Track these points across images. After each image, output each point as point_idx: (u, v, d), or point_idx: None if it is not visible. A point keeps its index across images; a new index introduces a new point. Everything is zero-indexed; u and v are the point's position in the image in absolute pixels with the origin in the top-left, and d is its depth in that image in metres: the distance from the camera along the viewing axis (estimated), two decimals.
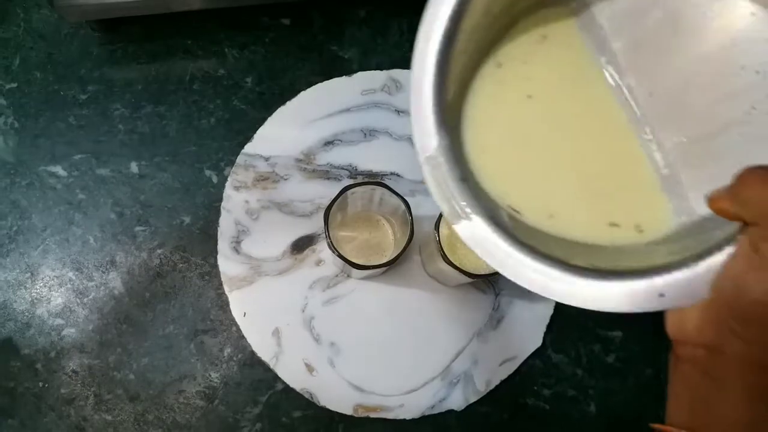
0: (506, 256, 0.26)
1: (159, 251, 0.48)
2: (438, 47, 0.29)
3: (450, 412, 0.46)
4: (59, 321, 0.47)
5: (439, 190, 0.28)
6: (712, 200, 0.23)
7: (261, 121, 0.49)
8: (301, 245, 0.48)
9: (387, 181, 0.48)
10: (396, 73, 0.51)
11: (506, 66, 0.31)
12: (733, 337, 0.22)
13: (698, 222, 0.28)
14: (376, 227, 0.47)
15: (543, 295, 0.26)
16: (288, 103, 0.50)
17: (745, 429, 0.23)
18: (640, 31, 0.31)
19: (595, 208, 0.30)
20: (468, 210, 0.27)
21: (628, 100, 0.31)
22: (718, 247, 0.23)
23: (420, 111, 0.28)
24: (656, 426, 0.25)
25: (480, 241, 0.27)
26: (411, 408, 0.46)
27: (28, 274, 0.47)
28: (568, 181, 0.31)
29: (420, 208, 0.42)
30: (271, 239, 0.48)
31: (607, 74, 0.31)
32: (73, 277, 0.47)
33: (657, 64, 0.30)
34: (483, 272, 0.40)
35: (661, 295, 0.24)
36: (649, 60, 0.30)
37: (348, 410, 0.46)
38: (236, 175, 0.48)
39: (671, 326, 0.25)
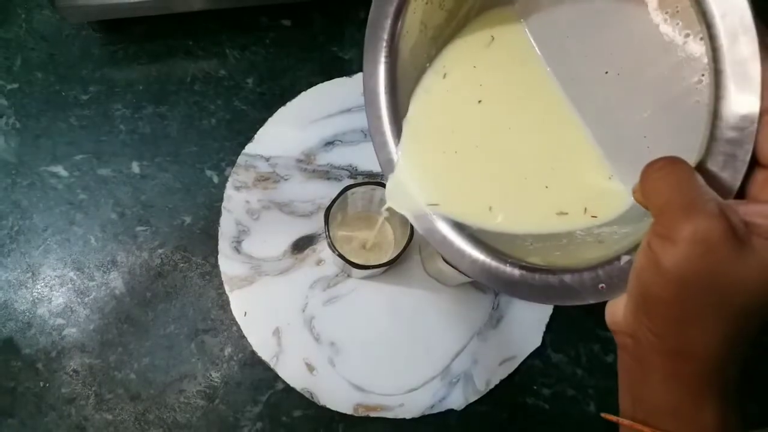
0: (469, 256, 0.30)
1: (160, 251, 0.48)
2: (384, 78, 0.31)
3: (450, 411, 0.46)
4: (60, 321, 0.47)
5: (405, 201, 0.31)
6: (633, 191, 0.24)
7: (262, 122, 0.50)
8: (302, 245, 0.48)
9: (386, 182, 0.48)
10: None
11: (452, 73, 0.34)
12: (644, 328, 0.23)
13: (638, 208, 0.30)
14: (376, 227, 0.47)
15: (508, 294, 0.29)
16: (288, 103, 0.50)
17: (671, 415, 0.24)
18: (568, 31, 0.33)
19: (545, 201, 0.32)
20: (432, 215, 0.30)
21: (572, 94, 0.33)
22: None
23: (379, 134, 0.31)
24: (606, 416, 0.27)
25: (443, 242, 0.30)
26: (411, 407, 0.46)
27: (29, 274, 0.47)
28: (514, 178, 0.33)
29: None
30: (272, 239, 0.48)
31: (549, 70, 0.34)
32: (74, 277, 0.47)
33: (587, 56, 0.32)
34: None
35: (602, 287, 0.26)
36: (581, 54, 0.32)
37: (348, 410, 0.46)
38: (237, 176, 0.49)
39: (607, 316, 0.26)
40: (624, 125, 0.31)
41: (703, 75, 0.26)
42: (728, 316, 0.22)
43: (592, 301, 0.27)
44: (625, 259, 0.26)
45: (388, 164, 0.31)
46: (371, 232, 0.46)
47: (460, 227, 0.30)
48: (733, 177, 0.23)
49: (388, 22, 0.31)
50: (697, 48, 0.26)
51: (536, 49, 0.34)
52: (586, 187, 0.32)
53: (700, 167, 0.24)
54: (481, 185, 0.33)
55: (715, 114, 0.23)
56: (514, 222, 0.32)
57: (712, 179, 0.23)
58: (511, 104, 0.34)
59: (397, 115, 0.31)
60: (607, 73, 0.31)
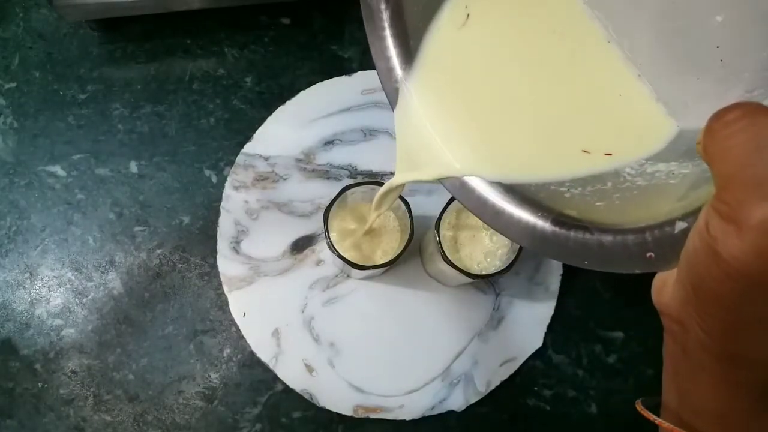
0: (492, 205, 0.25)
1: (158, 251, 0.48)
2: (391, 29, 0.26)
3: (450, 412, 0.46)
4: (58, 321, 0.46)
5: (415, 137, 0.26)
6: (697, 142, 0.19)
7: (261, 121, 0.49)
8: (301, 245, 0.48)
9: (387, 181, 0.48)
10: None
11: (473, 6, 0.28)
12: (694, 322, 0.19)
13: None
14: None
15: (530, 247, 0.24)
16: (288, 102, 0.50)
17: (718, 421, 0.20)
18: None
19: (581, 138, 0.27)
20: (449, 154, 0.25)
21: (599, 21, 0.27)
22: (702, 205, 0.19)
23: (383, 63, 0.26)
24: (643, 411, 0.23)
25: (462, 188, 0.25)
26: (411, 409, 0.46)
27: (27, 275, 0.47)
28: (546, 118, 0.27)
29: (420, 208, 0.42)
30: (271, 239, 0.48)
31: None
32: (72, 278, 0.47)
33: None
34: (483, 272, 0.40)
35: (650, 255, 0.21)
36: None
37: (348, 411, 0.45)
38: (236, 175, 0.48)
39: (654, 291, 0.21)
40: (688, 31, 0.25)
41: None
42: None
43: (638, 271, 0.22)
44: (680, 226, 0.20)
45: (394, 94, 0.26)
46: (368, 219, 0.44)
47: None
48: None
49: None
50: None
51: None
52: (623, 114, 0.27)
53: None
54: (511, 134, 0.27)
55: None
56: (549, 169, 0.26)
57: None
58: (539, 38, 0.28)
59: (405, 35, 0.26)
60: None
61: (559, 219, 0.24)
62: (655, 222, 0.21)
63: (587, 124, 0.27)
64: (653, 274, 0.22)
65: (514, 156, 0.27)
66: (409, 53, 0.26)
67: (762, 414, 0.19)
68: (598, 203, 0.24)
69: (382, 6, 0.26)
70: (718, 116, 0.17)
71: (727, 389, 0.20)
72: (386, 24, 0.26)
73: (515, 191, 0.25)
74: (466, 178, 0.25)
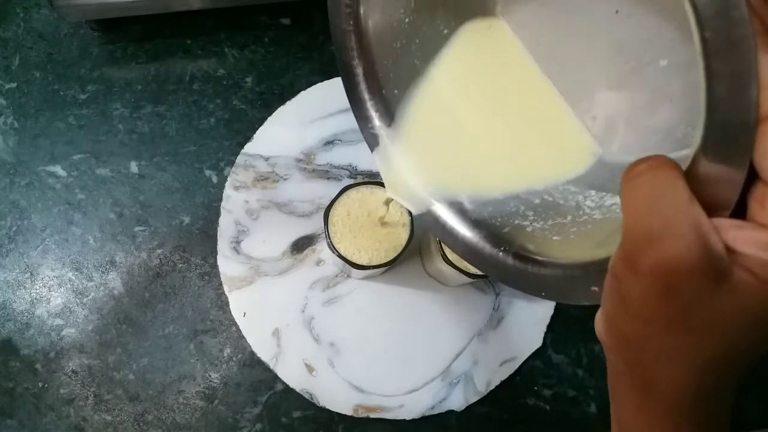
0: (462, 239, 0.28)
1: (159, 251, 0.48)
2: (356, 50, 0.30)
3: (450, 412, 0.46)
4: (59, 321, 0.46)
5: (393, 178, 0.29)
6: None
7: (261, 121, 0.49)
8: (301, 245, 0.48)
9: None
10: None
11: (443, 65, 0.32)
12: (615, 353, 0.21)
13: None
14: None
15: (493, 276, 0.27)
16: (288, 102, 0.50)
17: None
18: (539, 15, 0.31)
19: (528, 160, 0.31)
20: (423, 193, 0.29)
21: (546, 70, 0.31)
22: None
23: (360, 110, 0.30)
24: None
25: (434, 222, 0.28)
26: (411, 408, 0.46)
27: (28, 275, 0.47)
28: (502, 145, 0.31)
29: None
30: (271, 239, 0.48)
31: (526, 52, 0.32)
32: (73, 278, 0.47)
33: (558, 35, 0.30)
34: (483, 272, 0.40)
35: (594, 290, 0.23)
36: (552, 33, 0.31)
37: (348, 410, 0.46)
38: (236, 175, 0.48)
39: (596, 324, 0.23)
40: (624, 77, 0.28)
41: None
42: (702, 360, 0.18)
43: (585, 303, 0.24)
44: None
45: (372, 138, 0.30)
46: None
47: (453, 207, 0.28)
48: (730, 185, 0.18)
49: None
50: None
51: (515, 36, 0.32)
52: (556, 142, 0.31)
53: (696, 164, 0.19)
54: (471, 155, 0.31)
55: (709, 105, 0.18)
56: (503, 182, 0.30)
57: (708, 184, 0.18)
58: (496, 87, 0.32)
59: (379, 87, 0.29)
60: (617, 12, 0.27)
61: (519, 253, 0.26)
62: (598, 259, 0.23)
63: (528, 151, 0.31)
64: None
65: (475, 177, 0.31)
66: (384, 102, 0.30)
67: None
68: (555, 237, 0.27)
69: (355, 62, 0.29)
70: (629, 168, 0.19)
71: (644, 416, 0.20)
72: (360, 79, 0.29)
73: (482, 226, 0.28)
74: (440, 216, 0.28)
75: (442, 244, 0.40)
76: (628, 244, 0.18)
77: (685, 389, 0.19)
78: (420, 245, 0.48)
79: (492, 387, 0.47)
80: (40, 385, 0.45)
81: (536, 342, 0.47)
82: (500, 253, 0.27)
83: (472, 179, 0.30)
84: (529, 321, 0.48)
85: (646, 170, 0.18)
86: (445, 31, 0.31)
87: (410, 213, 0.41)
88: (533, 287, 0.26)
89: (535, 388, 0.47)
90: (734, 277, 0.17)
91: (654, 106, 0.27)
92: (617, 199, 0.26)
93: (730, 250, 0.17)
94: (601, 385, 0.48)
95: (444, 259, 0.40)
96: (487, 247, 0.27)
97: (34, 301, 0.47)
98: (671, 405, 0.19)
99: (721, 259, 0.17)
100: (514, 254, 0.27)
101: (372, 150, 0.30)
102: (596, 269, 0.23)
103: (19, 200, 0.48)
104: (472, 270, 0.40)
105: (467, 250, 0.28)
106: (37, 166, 0.48)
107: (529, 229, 0.28)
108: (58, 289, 0.47)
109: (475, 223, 0.28)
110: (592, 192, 0.28)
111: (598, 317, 0.22)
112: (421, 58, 0.32)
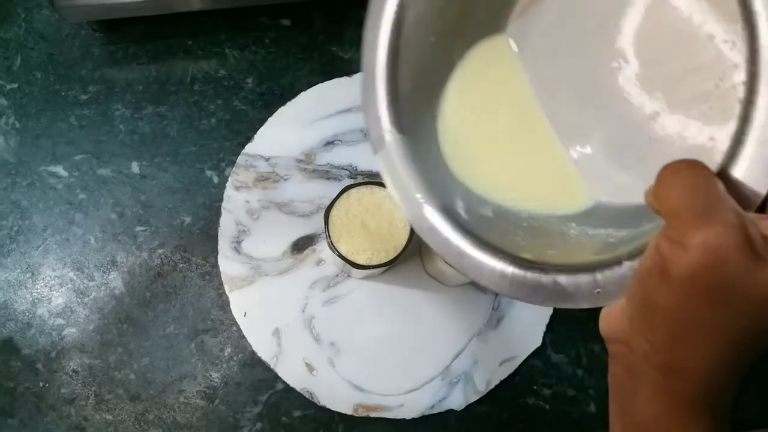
0: (456, 247, 0.28)
1: (160, 251, 0.48)
2: (385, 56, 0.31)
3: (450, 411, 0.46)
4: (60, 321, 0.47)
5: (394, 182, 0.30)
6: (646, 193, 0.23)
7: (261, 122, 0.50)
8: (302, 245, 0.48)
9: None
10: None
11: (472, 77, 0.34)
12: (640, 336, 0.22)
13: (633, 211, 0.28)
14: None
15: (489, 287, 0.28)
16: (288, 103, 0.50)
17: (650, 428, 0.23)
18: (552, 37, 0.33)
19: (526, 182, 0.33)
20: (421, 200, 0.29)
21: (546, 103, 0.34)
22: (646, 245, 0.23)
23: (372, 111, 0.31)
24: None
25: (430, 230, 0.29)
26: (411, 408, 0.46)
27: (29, 274, 0.47)
28: (512, 167, 0.34)
29: None
30: (272, 239, 0.48)
31: (530, 84, 0.34)
32: (74, 277, 0.47)
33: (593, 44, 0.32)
34: None
35: (598, 292, 0.25)
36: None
37: (348, 410, 0.46)
38: (237, 175, 0.49)
39: (601, 323, 0.25)
40: (626, 124, 0.30)
41: (720, 79, 0.25)
42: (731, 335, 0.20)
43: (585, 306, 0.25)
44: (627, 265, 0.24)
45: (379, 141, 0.30)
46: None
47: (450, 217, 0.29)
48: (757, 187, 0.22)
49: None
50: (716, 49, 0.25)
51: (515, 49, 0.35)
52: (556, 180, 0.33)
53: (721, 174, 0.22)
54: (474, 169, 0.33)
55: (745, 119, 0.22)
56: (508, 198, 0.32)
57: (733, 188, 0.22)
58: (499, 113, 0.35)
59: (395, 92, 0.30)
60: (615, 65, 0.30)
61: (517, 261, 0.27)
62: (603, 262, 0.25)
63: (521, 180, 0.33)
64: None
65: (473, 187, 0.33)
66: (396, 109, 0.31)
67: (694, 423, 0.22)
68: (549, 251, 0.28)
69: (379, 66, 0.31)
70: (667, 166, 0.21)
71: (665, 397, 0.22)
72: (381, 82, 0.31)
73: (476, 236, 0.28)
74: (434, 223, 0.29)
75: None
76: (676, 224, 0.20)
77: (709, 367, 0.21)
78: (420, 245, 0.48)
79: (492, 386, 0.47)
80: (41, 384, 0.46)
81: (536, 341, 0.48)
82: (498, 263, 0.27)
83: (471, 187, 0.32)
84: (528, 321, 0.48)
85: (686, 166, 0.21)
86: (465, 50, 0.34)
87: None
88: (528, 295, 0.26)
89: (535, 387, 0.48)
90: None
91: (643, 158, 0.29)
92: (599, 231, 0.28)
93: (763, 236, 0.20)
94: (601, 384, 0.48)
95: (444, 259, 0.40)
96: (483, 257, 0.27)
97: (36, 300, 0.47)
98: (692, 385, 0.21)
99: (759, 242, 0.20)
100: (512, 262, 0.27)
101: (376, 151, 0.31)
102: (603, 273, 0.25)
103: (21, 200, 0.48)
104: None
105: (461, 260, 0.28)
106: (38, 167, 0.48)
107: (522, 243, 0.29)
108: (59, 288, 0.47)
109: (471, 234, 0.28)
110: (573, 224, 0.30)
111: (610, 312, 0.24)
112: (442, 72, 0.33)
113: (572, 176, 0.32)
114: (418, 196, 0.29)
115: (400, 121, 0.30)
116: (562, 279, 0.26)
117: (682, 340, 0.21)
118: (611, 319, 0.24)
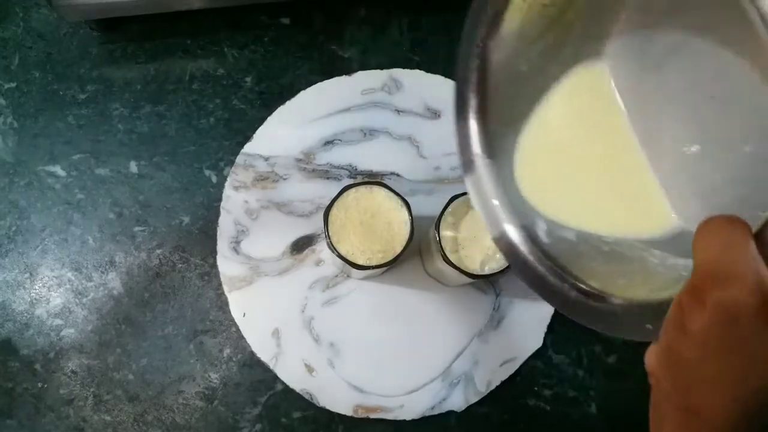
0: (533, 270, 0.30)
1: (158, 251, 0.48)
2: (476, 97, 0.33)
3: (450, 412, 0.46)
4: (58, 321, 0.46)
5: (481, 204, 0.32)
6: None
7: (260, 121, 0.49)
8: (301, 245, 0.48)
9: (387, 181, 0.48)
10: (396, 72, 0.50)
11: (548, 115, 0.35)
12: (664, 377, 0.24)
13: None
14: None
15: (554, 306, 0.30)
16: (288, 102, 0.50)
17: None
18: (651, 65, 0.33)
19: (606, 213, 0.34)
20: (505, 222, 0.32)
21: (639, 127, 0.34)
22: None
23: (463, 136, 0.33)
24: None
25: (511, 250, 0.31)
26: (411, 408, 0.46)
27: (27, 275, 0.47)
28: (590, 193, 0.34)
29: (420, 208, 0.42)
30: (271, 239, 0.47)
31: (622, 105, 0.34)
32: (72, 278, 0.47)
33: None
34: (483, 272, 0.40)
35: (648, 327, 0.26)
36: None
37: (348, 411, 0.45)
38: (236, 175, 0.48)
39: (645, 355, 0.26)
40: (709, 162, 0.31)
41: None
42: (747, 391, 0.21)
43: (635, 338, 0.27)
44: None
45: (468, 164, 0.33)
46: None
47: (531, 239, 0.31)
48: None
49: (483, 31, 0.31)
50: None
51: (614, 85, 0.35)
52: (638, 202, 0.33)
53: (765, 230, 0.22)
54: (559, 191, 0.34)
55: None
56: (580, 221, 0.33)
57: None
58: (590, 135, 0.35)
59: (485, 120, 0.32)
60: (712, 97, 0.30)
61: (582, 288, 0.29)
62: (661, 302, 0.26)
63: (609, 202, 0.34)
64: None
65: (557, 211, 0.34)
66: (487, 134, 0.33)
67: None
68: (620, 280, 0.29)
69: (471, 95, 0.32)
70: (707, 220, 0.22)
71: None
72: (472, 110, 0.33)
73: (552, 259, 0.30)
74: (515, 243, 0.31)
75: (442, 243, 0.40)
76: (697, 281, 0.21)
77: (726, 415, 0.22)
78: (420, 245, 0.47)
79: (492, 387, 0.46)
80: (40, 385, 0.45)
81: (537, 342, 0.47)
82: (564, 286, 0.29)
83: (554, 212, 0.33)
84: (529, 321, 0.48)
85: (723, 223, 0.22)
86: (559, 75, 0.34)
87: (410, 213, 0.41)
88: (590, 320, 0.28)
89: (536, 388, 0.47)
90: None
91: (735, 182, 0.30)
92: (679, 261, 0.29)
93: None
94: (602, 385, 0.48)
95: (444, 259, 0.40)
96: (553, 280, 0.30)
97: (34, 301, 0.47)
98: (707, 428, 0.22)
99: None
100: (577, 288, 0.29)
101: (465, 174, 0.33)
102: (654, 308, 0.26)
103: (19, 200, 0.48)
104: (473, 270, 0.40)
105: (534, 280, 0.30)
106: (36, 166, 0.48)
107: (596, 270, 0.30)
108: (57, 289, 0.47)
109: (547, 256, 0.31)
110: (656, 251, 0.31)
111: (651, 348, 0.25)
112: (533, 99, 0.34)
113: (657, 199, 0.33)
114: (503, 217, 0.32)
115: (489, 147, 0.33)
116: (620, 311, 0.27)
117: (697, 386, 0.22)
118: (651, 354, 0.25)
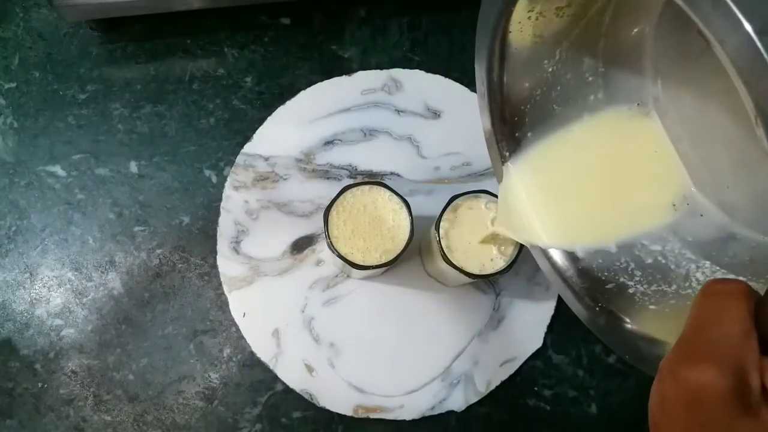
0: (568, 286, 0.31)
1: (158, 251, 0.48)
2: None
3: (450, 412, 0.46)
4: (58, 321, 0.46)
5: (513, 213, 0.33)
6: None
7: (261, 121, 0.49)
8: (301, 245, 0.48)
9: (387, 181, 0.48)
10: (396, 72, 0.50)
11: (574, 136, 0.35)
12: (660, 423, 0.23)
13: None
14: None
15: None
16: (288, 102, 0.50)
17: None
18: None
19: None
20: (540, 232, 0.32)
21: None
22: None
23: (495, 147, 0.33)
24: None
25: (550, 266, 0.32)
26: (411, 409, 0.46)
27: (27, 275, 0.47)
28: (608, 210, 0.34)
29: (420, 208, 0.42)
30: (271, 239, 0.47)
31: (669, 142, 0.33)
32: (72, 278, 0.47)
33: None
34: (483, 272, 0.40)
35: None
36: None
37: (348, 411, 0.45)
38: (236, 175, 0.48)
39: (650, 395, 0.26)
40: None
41: None
42: None
43: (649, 373, 0.26)
44: None
45: (501, 173, 0.34)
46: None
47: (568, 255, 0.31)
48: None
49: (496, 44, 0.31)
50: None
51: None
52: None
53: None
54: (594, 204, 0.34)
55: None
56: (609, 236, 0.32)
57: None
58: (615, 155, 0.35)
59: (513, 129, 0.32)
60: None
61: (612, 313, 0.29)
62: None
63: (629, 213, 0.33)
64: None
65: (587, 231, 0.34)
66: (516, 142, 0.33)
67: None
68: (651, 306, 0.29)
69: (495, 106, 0.33)
70: (709, 283, 0.21)
71: None
72: (498, 119, 0.33)
73: (588, 276, 0.31)
74: (552, 256, 0.32)
75: (442, 243, 0.40)
76: (676, 352, 0.21)
77: None
78: (420, 245, 0.47)
79: (492, 387, 0.46)
80: (40, 385, 0.45)
81: (536, 342, 0.47)
82: (596, 309, 0.30)
83: (591, 226, 0.33)
84: (529, 321, 0.48)
85: (721, 294, 0.20)
86: (590, 78, 0.33)
87: (410, 213, 0.41)
88: (616, 346, 0.29)
89: (536, 388, 0.47)
90: (762, 415, 0.19)
91: None
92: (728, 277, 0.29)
93: (766, 389, 0.19)
94: (602, 385, 0.48)
95: (444, 259, 0.40)
96: (586, 299, 0.30)
97: (34, 301, 0.47)
98: None
99: (752, 395, 0.19)
100: (608, 313, 0.29)
101: (500, 182, 0.34)
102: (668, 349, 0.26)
103: (19, 200, 0.48)
104: (473, 270, 0.40)
105: (567, 296, 0.31)
106: (36, 166, 0.48)
107: (631, 290, 0.30)
108: (57, 289, 0.47)
109: (582, 272, 0.30)
110: (707, 263, 0.29)
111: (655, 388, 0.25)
112: (561, 104, 0.34)
113: (673, 166, 0.32)
114: (536, 227, 0.32)
115: (519, 154, 0.33)
116: (642, 345, 0.28)
117: None
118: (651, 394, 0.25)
